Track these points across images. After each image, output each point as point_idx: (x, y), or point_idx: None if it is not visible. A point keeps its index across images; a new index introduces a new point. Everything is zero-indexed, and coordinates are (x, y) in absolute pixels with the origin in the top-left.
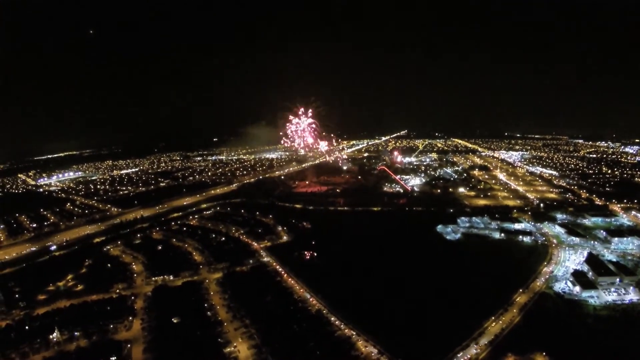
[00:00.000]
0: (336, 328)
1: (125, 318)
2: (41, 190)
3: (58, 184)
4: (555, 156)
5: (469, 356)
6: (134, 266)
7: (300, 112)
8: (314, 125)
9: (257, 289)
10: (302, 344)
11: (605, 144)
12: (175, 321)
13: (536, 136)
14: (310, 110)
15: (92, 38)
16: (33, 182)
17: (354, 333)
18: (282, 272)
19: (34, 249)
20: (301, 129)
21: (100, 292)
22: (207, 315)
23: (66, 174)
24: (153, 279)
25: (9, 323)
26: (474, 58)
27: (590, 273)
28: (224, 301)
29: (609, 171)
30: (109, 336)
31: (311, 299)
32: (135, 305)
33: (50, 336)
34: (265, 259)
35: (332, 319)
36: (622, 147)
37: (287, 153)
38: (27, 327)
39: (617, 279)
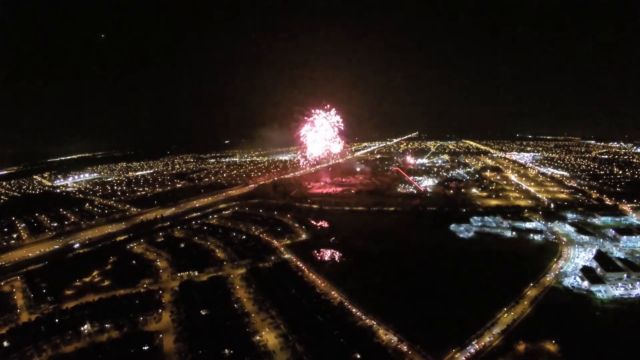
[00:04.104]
0: (358, 318)
1: (154, 311)
2: (58, 191)
3: (75, 185)
4: (567, 157)
5: (483, 344)
6: (158, 263)
7: (318, 112)
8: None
9: (280, 283)
10: (326, 333)
11: (618, 145)
12: (203, 313)
13: (548, 137)
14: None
15: (103, 40)
16: (49, 183)
17: (375, 323)
18: (304, 268)
19: (57, 247)
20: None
21: (127, 287)
22: (234, 308)
23: (82, 176)
24: (178, 274)
25: (39, 316)
26: (485, 59)
27: (599, 269)
28: (249, 294)
29: (620, 172)
30: (139, 327)
31: (333, 292)
32: (162, 299)
33: (82, 328)
34: (286, 256)
35: (354, 310)
36: (635, 147)
37: (300, 155)
38: (57, 320)
39: (625, 275)
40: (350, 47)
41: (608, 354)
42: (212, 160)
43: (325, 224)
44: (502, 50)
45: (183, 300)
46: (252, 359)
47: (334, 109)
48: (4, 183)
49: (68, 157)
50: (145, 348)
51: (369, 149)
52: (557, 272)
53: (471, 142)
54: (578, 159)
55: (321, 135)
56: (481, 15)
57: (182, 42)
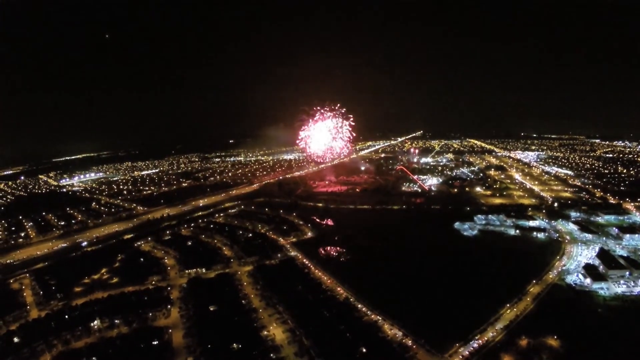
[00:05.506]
0: (363, 314)
1: (163, 307)
2: (64, 190)
3: (80, 184)
4: (571, 156)
5: (486, 338)
6: (166, 260)
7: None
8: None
9: (287, 280)
10: (333, 327)
11: (622, 144)
12: (211, 309)
13: (552, 136)
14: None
15: (108, 39)
16: (55, 183)
17: (380, 318)
18: (310, 265)
19: (64, 245)
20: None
21: (135, 284)
22: (242, 304)
23: (87, 175)
24: (186, 271)
25: (49, 313)
26: (490, 58)
27: (601, 266)
28: (256, 291)
29: (625, 170)
30: (148, 323)
31: (338, 289)
32: (171, 296)
33: (91, 324)
34: (293, 253)
35: (359, 305)
36: (639, 146)
37: (304, 154)
38: (66, 317)
39: (627, 272)
40: (354, 47)
41: (609, 349)
42: (217, 160)
43: (330, 222)
44: (506, 49)
45: (191, 296)
46: (260, 353)
47: (339, 106)
48: (10, 183)
49: (73, 157)
50: (155, 343)
51: (374, 148)
52: (560, 269)
53: (475, 141)
54: (582, 158)
55: (325, 135)
56: (486, 13)
57: (187, 40)
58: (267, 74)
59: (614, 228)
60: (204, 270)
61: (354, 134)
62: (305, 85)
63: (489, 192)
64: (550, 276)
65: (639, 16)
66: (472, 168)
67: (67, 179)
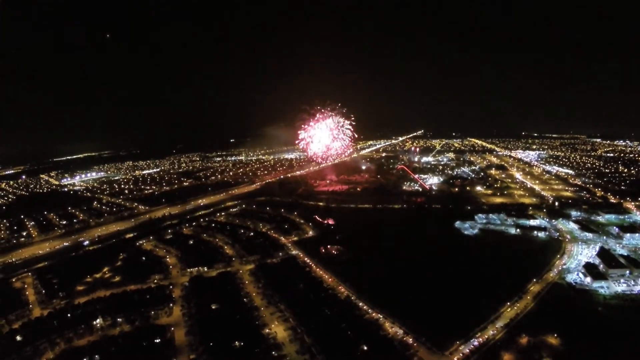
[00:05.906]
0: (364, 312)
1: (165, 305)
2: (66, 189)
3: (82, 183)
4: (572, 155)
5: (486, 336)
6: (168, 259)
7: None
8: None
9: (288, 278)
10: (334, 325)
11: (624, 143)
12: (213, 307)
13: (553, 135)
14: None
15: (110, 39)
16: (57, 182)
17: (381, 316)
18: (311, 264)
19: (66, 244)
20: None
21: (137, 282)
22: (244, 302)
23: (89, 174)
24: (188, 270)
25: (51, 311)
26: (491, 58)
27: (601, 265)
28: (258, 289)
29: (625, 170)
30: (151, 321)
31: (340, 287)
32: (173, 294)
33: (94, 322)
34: (294, 252)
35: (360, 304)
36: None
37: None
38: (69, 315)
39: (627, 271)
40: (356, 46)
41: (609, 348)
42: (218, 159)
43: (331, 221)
44: (507, 49)
45: (193, 295)
46: (261, 351)
47: (340, 106)
48: (12, 182)
49: (74, 157)
50: (157, 341)
51: (374, 147)
52: (560, 268)
53: (476, 140)
54: (583, 157)
55: (326, 134)
56: (487, 14)
57: (188, 40)
58: (268, 73)
59: (615, 227)
60: (205, 269)
61: (355, 134)
62: (306, 85)
63: (489, 191)
64: (551, 275)
65: (639, 16)
66: (473, 167)
67: (69, 179)
